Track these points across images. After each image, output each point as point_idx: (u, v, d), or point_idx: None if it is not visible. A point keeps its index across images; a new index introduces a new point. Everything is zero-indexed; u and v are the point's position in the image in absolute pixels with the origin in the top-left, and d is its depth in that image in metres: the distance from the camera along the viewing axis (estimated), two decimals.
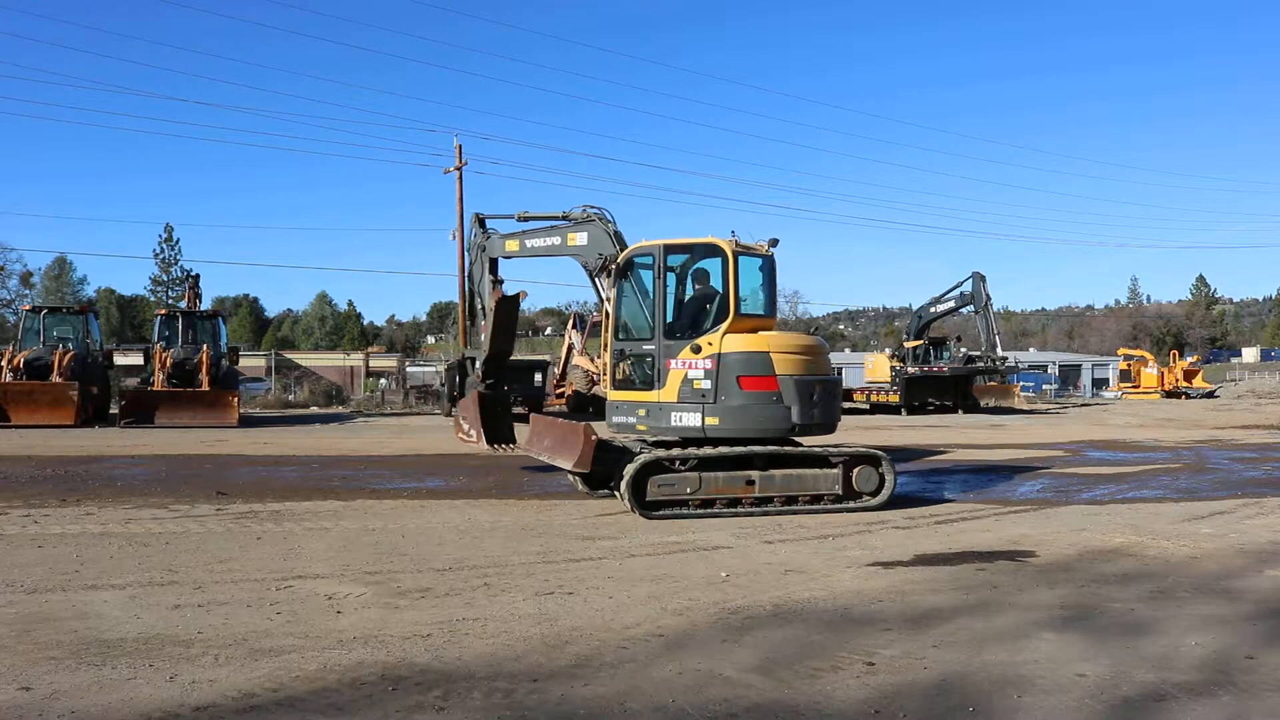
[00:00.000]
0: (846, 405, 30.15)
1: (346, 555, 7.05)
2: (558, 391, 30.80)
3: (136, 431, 19.96)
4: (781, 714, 3.87)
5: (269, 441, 18.13)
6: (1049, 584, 6.30)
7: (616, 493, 9.28)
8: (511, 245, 11.40)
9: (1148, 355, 58.31)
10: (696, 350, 9.11)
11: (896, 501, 9.69)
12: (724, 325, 9.14)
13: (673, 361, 9.23)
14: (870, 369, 38.56)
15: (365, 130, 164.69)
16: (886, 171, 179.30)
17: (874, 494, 9.38)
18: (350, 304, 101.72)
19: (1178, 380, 50.70)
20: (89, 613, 5.30)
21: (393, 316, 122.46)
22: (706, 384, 9.05)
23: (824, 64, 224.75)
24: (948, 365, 34.24)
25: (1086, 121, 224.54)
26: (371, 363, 53.66)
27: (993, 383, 37.00)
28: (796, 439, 9.45)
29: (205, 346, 23.61)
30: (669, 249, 9.47)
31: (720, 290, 9.34)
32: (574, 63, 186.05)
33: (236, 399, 23.03)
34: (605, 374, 10.37)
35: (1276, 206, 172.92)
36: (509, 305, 11.70)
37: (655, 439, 9.49)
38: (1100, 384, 65.23)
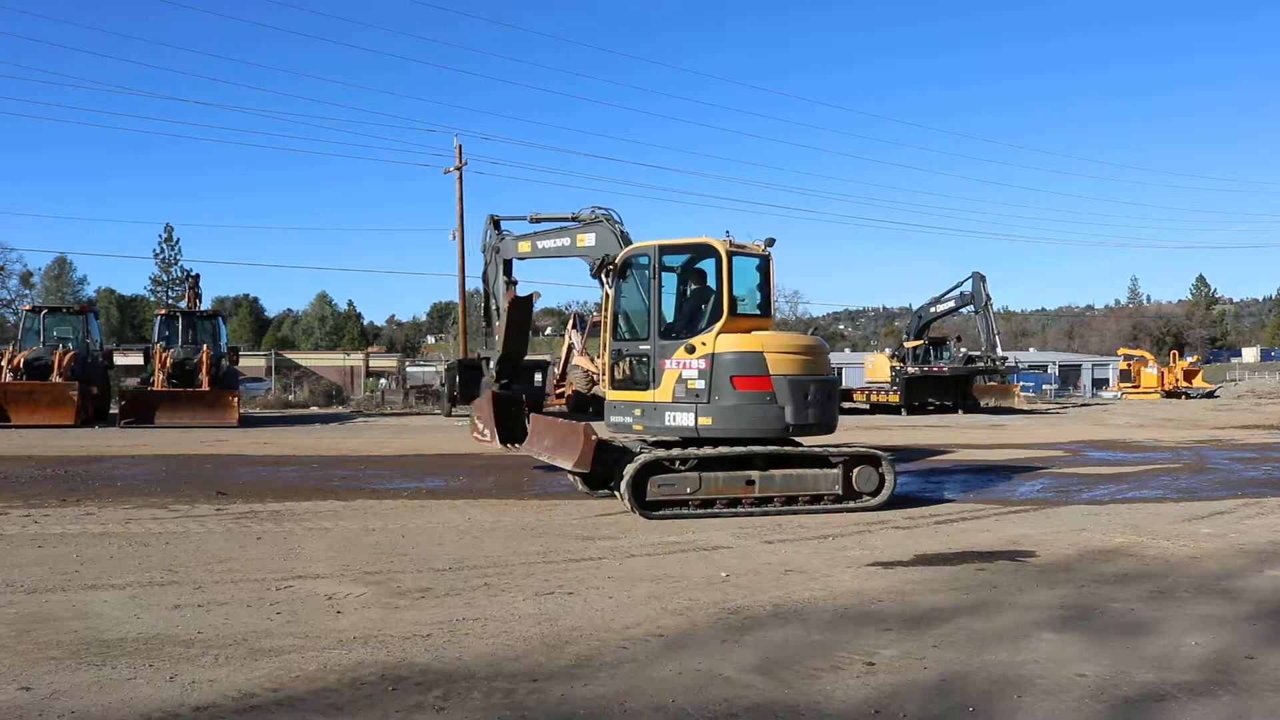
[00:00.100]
0: (846, 405, 30.22)
1: (346, 555, 7.05)
2: (558, 391, 30.82)
3: (136, 431, 19.96)
4: (781, 714, 3.87)
5: (269, 441, 18.13)
6: (1049, 584, 6.30)
7: (616, 493, 9.28)
8: (524, 246, 11.42)
9: (1148, 355, 58.34)
10: (691, 350, 9.11)
11: (896, 501, 9.69)
12: (718, 325, 9.13)
13: (667, 361, 9.22)
14: (870, 369, 38.59)
15: (365, 130, 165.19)
16: (886, 171, 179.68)
17: (874, 494, 9.37)
18: (350, 304, 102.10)
19: (1178, 380, 50.71)
20: (89, 613, 5.29)
21: (393, 316, 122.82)
22: (700, 384, 9.05)
23: (824, 64, 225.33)
24: (948, 365, 34.25)
25: (1086, 121, 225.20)
26: (371, 363, 53.75)
27: (993, 383, 37.01)
28: (794, 439, 9.45)
29: (205, 346, 23.62)
30: (664, 249, 9.48)
31: (715, 290, 9.34)
32: (574, 63, 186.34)
33: (236, 399, 23.03)
34: (604, 374, 10.38)
35: (1276, 206, 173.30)
36: (522, 306, 11.75)
37: (654, 439, 9.49)
38: (1100, 384, 65.28)
